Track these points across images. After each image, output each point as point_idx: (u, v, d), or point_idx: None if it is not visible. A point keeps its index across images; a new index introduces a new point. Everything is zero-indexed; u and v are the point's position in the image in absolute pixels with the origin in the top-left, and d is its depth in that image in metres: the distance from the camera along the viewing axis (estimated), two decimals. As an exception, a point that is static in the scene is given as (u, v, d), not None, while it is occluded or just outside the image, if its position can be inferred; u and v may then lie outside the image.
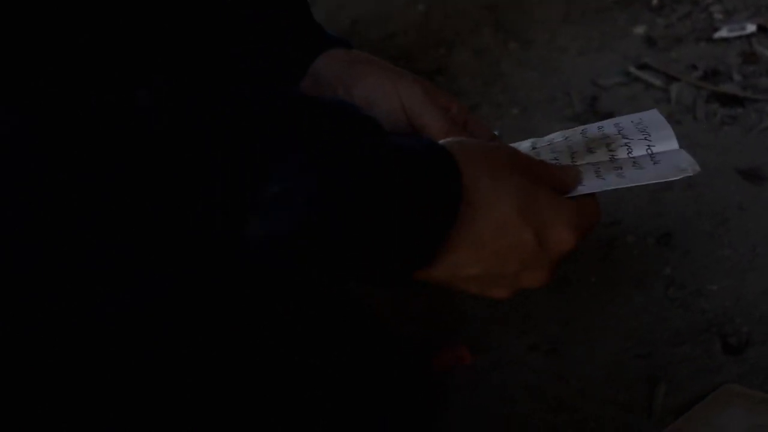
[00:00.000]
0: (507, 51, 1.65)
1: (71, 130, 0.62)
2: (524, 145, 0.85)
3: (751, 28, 1.59)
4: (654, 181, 0.79)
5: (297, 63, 0.88)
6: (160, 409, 0.75)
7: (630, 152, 0.81)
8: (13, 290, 0.66)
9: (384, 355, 0.97)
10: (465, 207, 0.71)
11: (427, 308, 1.23)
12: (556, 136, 0.85)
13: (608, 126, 0.84)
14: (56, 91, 0.63)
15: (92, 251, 0.65)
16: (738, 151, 1.40)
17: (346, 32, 1.69)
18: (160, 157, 0.63)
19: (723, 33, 1.60)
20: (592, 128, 0.84)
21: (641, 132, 0.82)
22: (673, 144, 0.81)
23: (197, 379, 0.76)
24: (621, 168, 0.79)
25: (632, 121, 0.83)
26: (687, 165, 0.79)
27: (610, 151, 0.81)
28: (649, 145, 0.81)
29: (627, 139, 0.82)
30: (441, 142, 0.73)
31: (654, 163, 0.80)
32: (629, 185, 0.78)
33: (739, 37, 1.58)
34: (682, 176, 0.78)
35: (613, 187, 0.78)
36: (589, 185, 0.78)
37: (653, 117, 0.83)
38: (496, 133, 0.91)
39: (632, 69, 1.56)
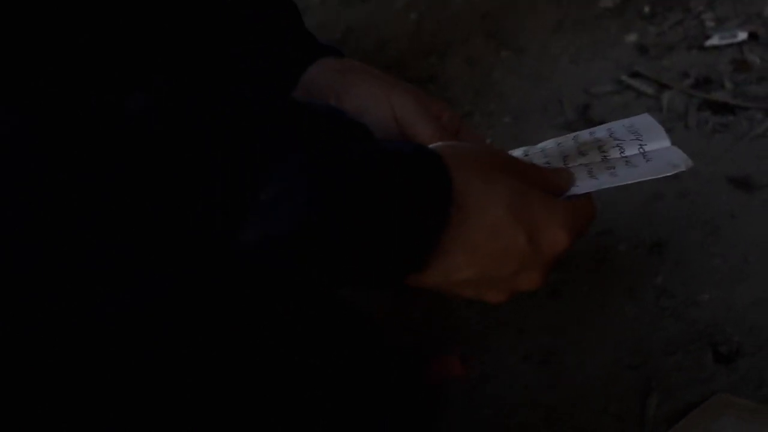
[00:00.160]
0: (499, 59, 1.65)
1: (71, 130, 0.62)
2: (516, 153, 0.86)
3: (742, 35, 1.59)
4: (647, 178, 0.79)
5: (289, 72, 0.88)
6: (160, 409, 0.75)
7: (622, 152, 0.81)
8: (13, 290, 0.66)
9: (380, 362, 0.97)
10: (456, 210, 0.71)
11: (421, 319, 1.23)
12: (549, 143, 0.85)
13: (600, 131, 0.84)
14: (56, 91, 0.63)
15: (92, 251, 0.64)
16: (729, 159, 1.40)
17: (338, 40, 1.69)
18: (159, 158, 0.64)
19: (714, 41, 1.60)
20: (584, 134, 0.85)
21: (633, 134, 0.82)
22: (666, 142, 0.81)
23: (198, 379, 0.76)
24: (614, 167, 0.79)
25: (624, 125, 0.84)
26: (680, 161, 0.79)
27: (603, 152, 0.81)
28: (641, 145, 0.81)
29: (619, 140, 0.82)
30: (431, 146, 0.74)
31: (647, 161, 0.79)
32: (623, 183, 0.78)
33: (731, 45, 1.59)
34: (675, 172, 0.78)
35: (606, 186, 0.78)
36: (583, 186, 0.78)
37: (645, 120, 0.84)
38: (488, 141, 0.91)
39: (624, 77, 1.57)
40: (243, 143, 0.65)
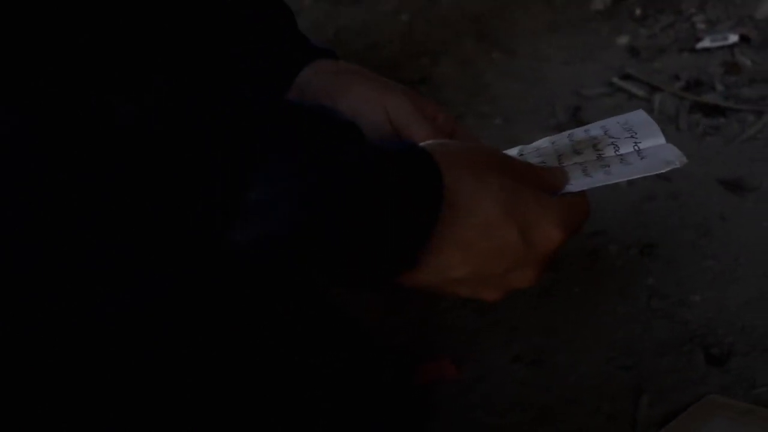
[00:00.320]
0: (491, 61, 1.65)
1: (71, 130, 0.62)
2: (511, 153, 0.85)
3: (733, 38, 1.60)
4: (642, 175, 0.78)
5: (283, 74, 0.88)
6: (160, 408, 0.75)
7: (617, 150, 0.81)
8: (13, 290, 0.65)
9: (372, 363, 0.97)
10: (448, 208, 0.71)
11: (414, 320, 1.23)
12: (543, 142, 0.85)
13: (594, 128, 0.84)
14: (56, 91, 0.63)
15: (92, 251, 0.64)
16: (720, 161, 1.40)
17: (330, 42, 1.69)
18: (157, 158, 0.64)
19: (706, 43, 1.60)
20: (579, 132, 0.84)
21: (627, 131, 0.82)
22: (660, 139, 0.81)
23: (197, 379, 0.76)
24: (608, 165, 0.79)
25: (618, 122, 0.83)
26: (674, 157, 0.78)
27: (597, 150, 0.81)
28: (636, 143, 0.81)
29: (613, 138, 0.82)
30: (422, 144, 0.73)
31: (641, 159, 0.79)
32: (617, 181, 0.78)
33: (722, 48, 1.59)
34: (669, 168, 0.78)
35: (600, 184, 0.78)
36: (577, 184, 0.78)
37: (639, 117, 0.83)
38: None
39: (615, 79, 1.57)
40: (235, 143, 0.65)
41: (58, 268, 0.65)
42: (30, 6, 0.64)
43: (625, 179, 0.78)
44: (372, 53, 1.68)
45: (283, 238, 0.66)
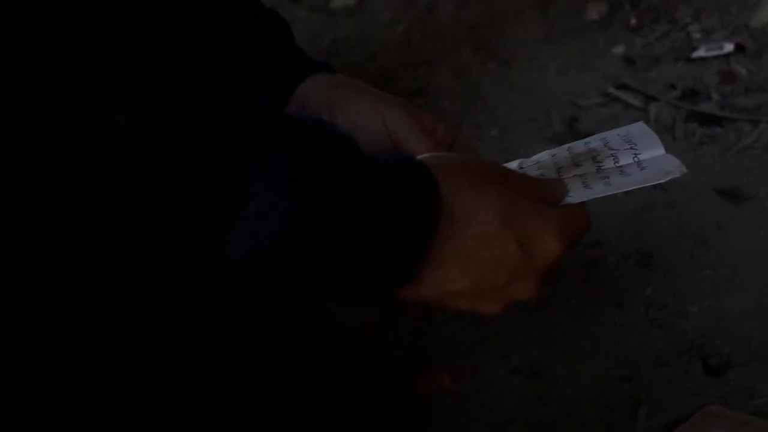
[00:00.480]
0: (487, 71, 1.65)
1: (71, 130, 0.62)
2: (511, 166, 0.85)
3: (728, 47, 1.60)
4: (641, 186, 0.78)
5: (282, 88, 0.88)
6: (159, 409, 0.75)
7: (617, 162, 0.81)
8: (13, 290, 0.65)
9: (369, 375, 0.97)
10: (446, 220, 0.71)
11: (411, 332, 1.23)
12: (543, 155, 0.85)
13: (594, 141, 0.84)
14: (56, 91, 0.63)
15: (92, 251, 0.64)
16: (717, 170, 1.40)
17: (326, 53, 1.69)
18: (158, 160, 0.64)
19: (701, 52, 1.61)
20: (579, 144, 0.84)
21: (627, 143, 0.82)
22: (660, 150, 0.81)
23: (196, 381, 0.76)
24: (608, 177, 0.79)
25: (618, 134, 0.83)
26: (673, 168, 0.78)
27: (597, 162, 0.81)
28: (635, 154, 0.81)
29: (613, 150, 0.82)
30: (419, 157, 0.73)
31: (641, 169, 0.79)
32: (616, 191, 0.78)
33: (717, 57, 1.59)
34: (669, 179, 0.78)
35: (600, 195, 0.77)
36: (576, 196, 0.77)
37: (639, 129, 0.83)
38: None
39: (611, 89, 1.57)
40: (231, 155, 0.65)
41: (58, 268, 0.64)
42: (30, 6, 0.64)
43: (625, 190, 0.78)
44: (368, 64, 1.68)
45: (279, 251, 0.66)
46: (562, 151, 0.84)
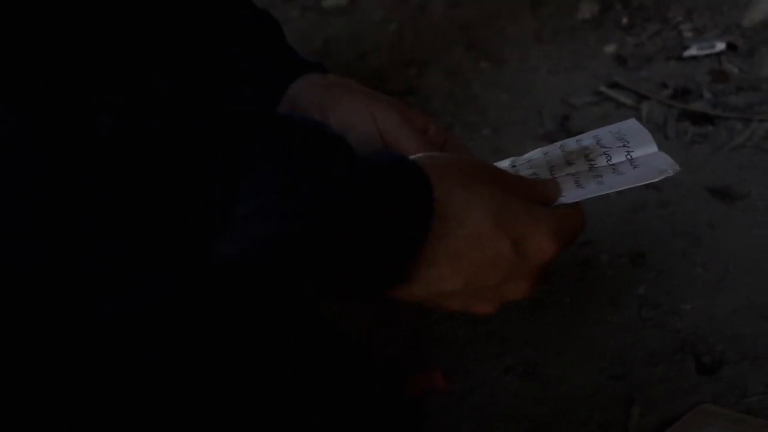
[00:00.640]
0: (479, 71, 1.65)
1: (71, 130, 0.62)
2: (503, 165, 0.85)
3: (720, 46, 1.60)
4: (635, 185, 0.78)
5: (273, 88, 0.88)
6: (159, 408, 0.75)
7: (609, 160, 0.80)
8: (13, 290, 0.65)
9: (363, 375, 0.97)
10: (438, 220, 0.71)
11: (404, 331, 1.23)
12: (535, 153, 0.85)
13: (587, 138, 0.83)
14: (56, 91, 0.63)
15: (92, 251, 0.64)
16: (709, 169, 1.40)
17: (318, 52, 1.69)
18: (158, 159, 0.64)
19: (693, 51, 1.61)
20: (571, 142, 0.84)
21: (620, 140, 0.81)
22: (653, 148, 0.80)
23: (196, 379, 0.76)
24: (601, 176, 0.79)
25: (610, 132, 0.83)
26: (667, 166, 0.78)
27: (589, 161, 0.81)
28: (628, 152, 0.80)
29: (606, 148, 0.81)
30: (412, 157, 0.73)
31: (634, 168, 0.79)
32: (610, 191, 0.78)
33: (709, 56, 1.59)
34: (662, 177, 0.77)
35: (593, 195, 0.77)
36: (569, 195, 0.77)
37: (631, 126, 0.83)
38: (469, 153, 0.91)
39: (603, 88, 1.57)
40: (223, 155, 0.65)
41: (58, 268, 0.64)
42: (30, 6, 0.64)
43: (618, 189, 0.78)
44: (360, 63, 1.68)
45: (272, 252, 0.66)
46: (554, 149, 0.83)
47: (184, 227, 0.65)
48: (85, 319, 0.68)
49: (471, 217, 0.72)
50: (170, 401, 0.75)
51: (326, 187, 0.67)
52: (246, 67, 0.89)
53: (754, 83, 1.54)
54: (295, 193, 0.66)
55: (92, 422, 0.72)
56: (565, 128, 1.51)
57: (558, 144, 0.84)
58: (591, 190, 0.77)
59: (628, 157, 0.80)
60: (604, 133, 0.83)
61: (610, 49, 1.65)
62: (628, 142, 0.81)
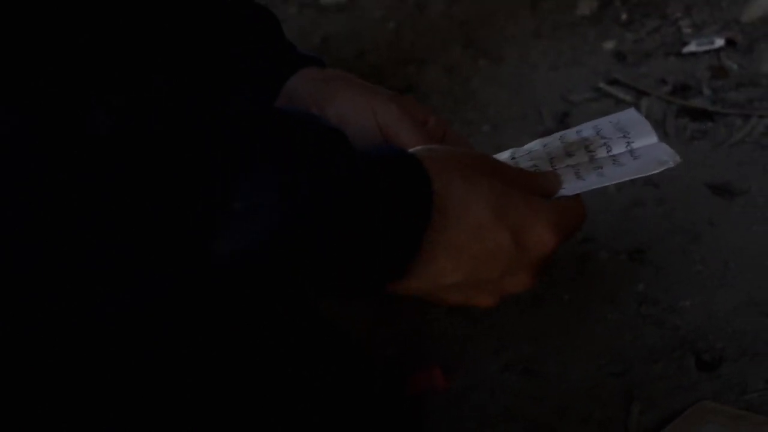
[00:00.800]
0: (478, 68, 1.65)
1: (71, 130, 0.62)
2: (504, 156, 0.85)
3: (719, 42, 1.60)
4: (635, 176, 0.78)
5: (271, 82, 0.88)
6: (159, 408, 0.75)
7: (609, 151, 0.80)
8: (13, 290, 0.65)
9: (363, 374, 0.97)
10: (438, 213, 0.71)
11: (402, 331, 1.23)
12: (535, 145, 0.84)
13: (586, 129, 0.83)
14: (56, 91, 0.62)
15: (92, 251, 0.64)
16: (708, 165, 1.40)
17: (316, 50, 1.69)
18: (158, 158, 0.64)
19: (692, 47, 1.60)
20: (571, 133, 0.83)
21: (620, 131, 0.81)
22: (652, 138, 0.80)
23: (197, 379, 0.76)
24: (601, 167, 0.78)
25: (610, 122, 0.82)
26: (668, 157, 0.78)
27: (589, 152, 0.80)
28: (628, 142, 0.80)
29: (605, 139, 0.81)
30: (411, 150, 0.73)
31: (634, 159, 0.78)
32: (611, 183, 0.78)
33: (708, 52, 1.59)
34: (663, 168, 0.77)
35: (594, 187, 0.77)
36: (570, 187, 0.77)
37: (631, 116, 0.82)
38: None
39: (602, 84, 1.57)
40: (221, 154, 0.65)
41: (58, 268, 0.64)
42: (30, 6, 0.64)
43: (619, 181, 0.78)
44: (359, 61, 1.68)
45: (271, 249, 0.66)
46: (554, 141, 0.83)
47: (183, 227, 0.64)
48: (85, 319, 0.68)
49: (471, 209, 0.72)
50: (170, 401, 0.75)
51: (325, 182, 0.67)
52: (245, 66, 0.88)
53: (753, 79, 1.54)
54: (294, 190, 0.66)
55: (92, 422, 0.72)
56: (565, 125, 1.51)
57: (558, 135, 0.84)
58: (591, 181, 0.77)
59: (629, 148, 0.79)
60: (604, 123, 0.82)
61: (609, 45, 1.64)
62: (628, 133, 0.80)
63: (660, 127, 1.47)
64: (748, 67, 1.56)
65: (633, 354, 1.17)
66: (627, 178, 0.78)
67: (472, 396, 1.15)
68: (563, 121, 1.52)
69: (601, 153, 0.80)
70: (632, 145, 0.79)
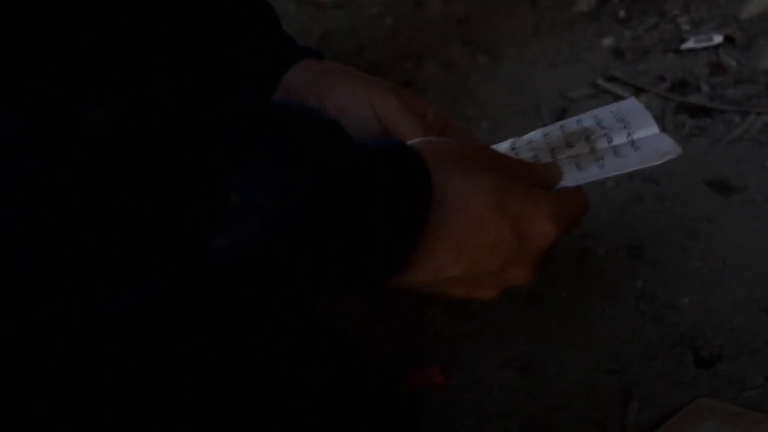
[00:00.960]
0: (476, 64, 1.65)
1: (71, 130, 0.62)
2: (503, 146, 0.84)
3: (718, 38, 1.60)
4: (637, 168, 0.77)
5: (269, 75, 0.87)
6: (157, 408, 0.75)
7: (610, 141, 0.79)
8: (13, 290, 0.65)
9: (359, 371, 0.96)
10: (437, 206, 0.70)
11: (399, 328, 1.22)
12: (535, 134, 0.84)
13: (587, 119, 0.82)
14: (56, 91, 0.62)
15: (92, 251, 0.64)
16: (707, 162, 1.40)
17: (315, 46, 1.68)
18: (158, 158, 0.63)
19: (690, 44, 1.60)
20: (571, 122, 0.83)
21: (620, 121, 0.80)
22: (654, 129, 0.79)
23: (195, 378, 0.76)
24: (602, 158, 0.78)
25: (611, 111, 0.82)
26: (669, 148, 0.77)
27: (590, 143, 0.80)
28: (629, 133, 0.79)
29: (606, 129, 0.80)
30: (409, 142, 0.73)
31: (635, 150, 0.78)
32: (611, 174, 0.77)
33: (706, 48, 1.59)
34: (665, 160, 0.76)
35: (595, 178, 0.76)
36: (571, 179, 0.77)
37: (631, 105, 0.82)
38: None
39: (600, 81, 1.57)
40: (221, 153, 0.65)
41: (58, 268, 0.64)
42: (30, 6, 0.64)
43: (620, 173, 0.77)
44: (357, 57, 1.68)
45: (268, 243, 0.66)
46: (554, 131, 0.82)
47: (183, 226, 0.64)
48: (85, 319, 0.68)
49: (471, 202, 0.71)
50: (168, 400, 0.75)
51: (323, 176, 0.66)
52: (244, 62, 0.88)
53: (751, 76, 1.53)
54: (292, 185, 0.65)
55: (92, 422, 0.72)
56: (563, 121, 1.51)
57: (558, 124, 0.83)
58: (592, 173, 0.76)
59: (629, 138, 0.79)
60: (605, 113, 0.81)
61: (608, 42, 1.64)
62: (629, 123, 0.80)
63: (658, 123, 1.46)
64: (747, 64, 1.56)
65: (631, 351, 1.17)
66: (629, 170, 0.77)
67: (469, 393, 1.15)
68: (561, 118, 1.51)
69: (602, 144, 0.79)
70: (633, 136, 0.79)
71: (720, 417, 1.07)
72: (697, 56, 1.58)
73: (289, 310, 0.85)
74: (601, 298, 1.24)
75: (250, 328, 0.79)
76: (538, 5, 1.72)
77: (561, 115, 1.53)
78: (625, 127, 0.79)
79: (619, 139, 0.79)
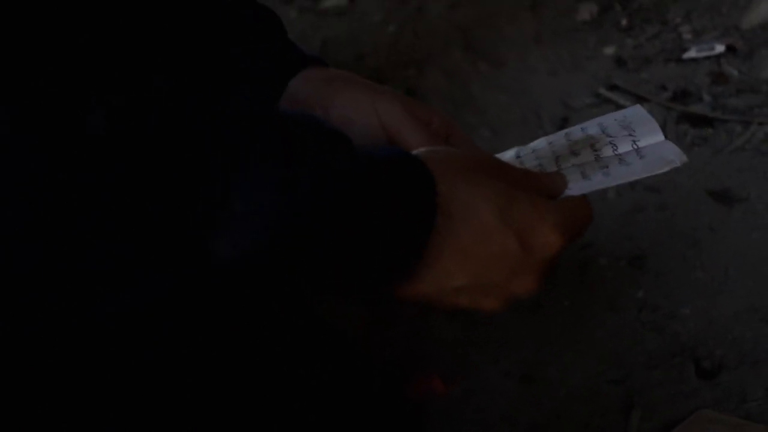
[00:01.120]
0: (478, 72, 1.65)
1: (71, 130, 0.62)
2: (509, 155, 0.84)
3: (719, 48, 1.60)
4: (642, 176, 0.77)
5: (274, 82, 0.87)
6: (157, 408, 0.74)
7: (615, 150, 0.79)
8: (13, 290, 0.65)
9: (362, 378, 0.96)
10: (442, 216, 0.70)
11: (403, 334, 1.22)
12: (540, 143, 0.84)
13: (592, 126, 0.82)
14: (56, 91, 0.62)
15: (92, 251, 0.64)
16: (709, 172, 1.40)
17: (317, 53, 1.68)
18: (158, 158, 0.63)
19: (692, 53, 1.60)
20: (576, 130, 0.83)
21: (625, 129, 0.80)
22: (659, 136, 0.79)
23: (195, 379, 0.76)
24: (607, 167, 0.78)
25: (615, 119, 0.82)
26: (674, 156, 0.77)
27: (595, 151, 0.80)
28: (634, 141, 0.79)
29: (611, 137, 0.80)
30: (414, 152, 0.72)
31: (640, 158, 0.78)
32: (617, 183, 0.77)
33: (708, 58, 1.59)
34: (670, 168, 0.76)
35: (600, 187, 0.76)
36: (576, 187, 0.76)
37: (636, 112, 0.82)
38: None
39: (602, 90, 1.57)
40: (222, 154, 0.65)
41: (58, 268, 0.65)
42: (30, 6, 0.64)
43: (626, 181, 0.77)
44: (358, 64, 1.68)
45: (268, 243, 0.66)
46: (559, 138, 0.82)
47: (183, 226, 0.64)
48: (85, 319, 0.68)
49: (476, 212, 0.71)
50: (168, 400, 0.75)
51: (326, 184, 0.66)
52: (246, 65, 0.88)
53: (753, 85, 1.53)
54: (293, 184, 0.65)
55: (92, 422, 0.72)
56: (564, 130, 1.51)
57: (563, 132, 0.83)
58: (597, 181, 0.76)
59: (635, 146, 0.79)
60: (609, 120, 0.81)
61: (610, 50, 1.64)
62: (634, 131, 0.79)
63: (660, 133, 1.47)
64: (749, 73, 1.56)
65: (633, 360, 1.17)
66: (634, 178, 0.77)
67: (472, 400, 1.15)
68: (563, 127, 1.52)
69: (607, 152, 0.79)
70: (638, 144, 0.78)
71: (721, 428, 1.07)
72: (699, 65, 1.58)
73: (290, 310, 0.85)
74: (602, 307, 1.24)
75: (250, 328, 0.79)
76: (539, 13, 1.72)
77: (562, 123, 1.52)
78: (630, 134, 0.79)
79: (624, 147, 0.79)
